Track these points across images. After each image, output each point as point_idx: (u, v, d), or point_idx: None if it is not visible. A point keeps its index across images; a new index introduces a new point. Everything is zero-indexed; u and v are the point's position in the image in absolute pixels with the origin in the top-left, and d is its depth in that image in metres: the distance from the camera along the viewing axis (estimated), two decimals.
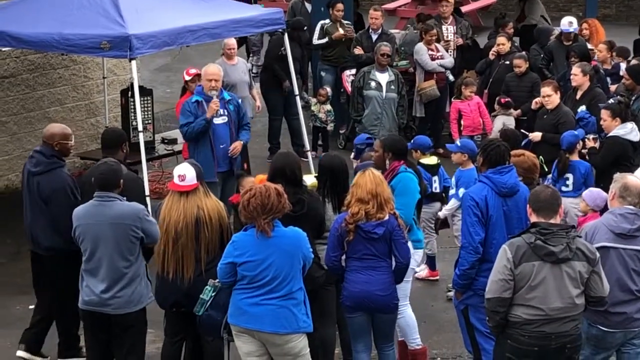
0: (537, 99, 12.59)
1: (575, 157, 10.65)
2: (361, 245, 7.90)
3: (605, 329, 7.39)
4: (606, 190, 8.16)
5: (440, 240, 11.11)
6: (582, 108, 11.95)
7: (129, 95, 12.37)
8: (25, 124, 13.72)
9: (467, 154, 10.32)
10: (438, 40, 15.12)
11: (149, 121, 12.72)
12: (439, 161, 10.84)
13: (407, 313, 8.80)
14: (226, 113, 11.26)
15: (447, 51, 15.25)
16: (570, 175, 10.59)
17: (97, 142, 13.14)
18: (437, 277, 11.03)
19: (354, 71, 14.87)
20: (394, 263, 8.00)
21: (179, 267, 8.04)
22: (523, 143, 11.11)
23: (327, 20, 15.49)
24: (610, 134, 10.81)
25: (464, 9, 18.79)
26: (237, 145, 11.34)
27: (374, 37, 15.03)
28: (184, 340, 8.44)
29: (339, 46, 15.44)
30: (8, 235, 11.87)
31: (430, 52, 14.89)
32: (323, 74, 15.62)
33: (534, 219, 6.95)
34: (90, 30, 10.89)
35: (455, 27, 15.72)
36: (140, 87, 11.88)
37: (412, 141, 10.64)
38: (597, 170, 10.71)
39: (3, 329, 9.80)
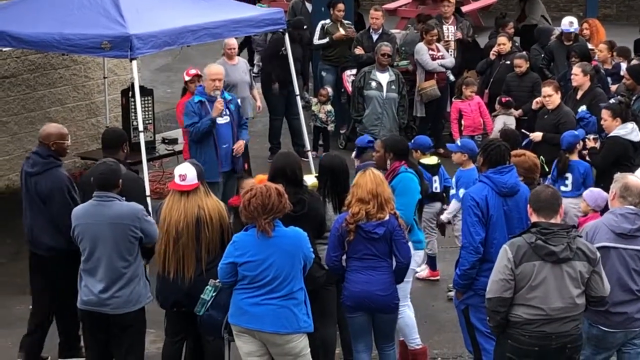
0: (537, 99, 12.57)
1: (574, 157, 10.65)
2: (362, 245, 7.90)
3: (606, 329, 7.39)
4: (607, 190, 8.16)
5: (441, 240, 11.10)
6: (583, 108, 11.94)
7: (130, 95, 12.39)
8: (26, 124, 13.72)
9: (467, 153, 10.32)
10: (439, 40, 15.12)
11: (150, 121, 12.72)
12: (440, 161, 10.83)
13: (406, 313, 8.80)
14: (228, 113, 11.27)
15: (447, 51, 15.26)
16: (569, 175, 10.58)
17: (97, 142, 13.13)
18: (438, 277, 11.03)
19: (354, 71, 14.86)
20: (394, 263, 8.01)
21: (180, 266, 8.04)
22: (524, 143, 11.12)
23: (328, 20, 15.48)
24: (611, 134, 10.80)
25: (464, 8, 18.76)
26: (241, 144, 11.38)
27: (375, 37, 15.02)
28: (184, 340, 8.44)
29: (340, 46, 15.43)
30: (8, 235, 11.87)
31: (431, 52, 14.89)
32: (324, 74, 15.62)
33: (534, 218, 6.95)
34: (90, 30, 10.88)
35: (456, 27, 15.75)
36: (141, 87, 11.88)
37: (412, 141, 10.62)
38: (597, 170, 10.70)
39: (3, 329, 9.80)
